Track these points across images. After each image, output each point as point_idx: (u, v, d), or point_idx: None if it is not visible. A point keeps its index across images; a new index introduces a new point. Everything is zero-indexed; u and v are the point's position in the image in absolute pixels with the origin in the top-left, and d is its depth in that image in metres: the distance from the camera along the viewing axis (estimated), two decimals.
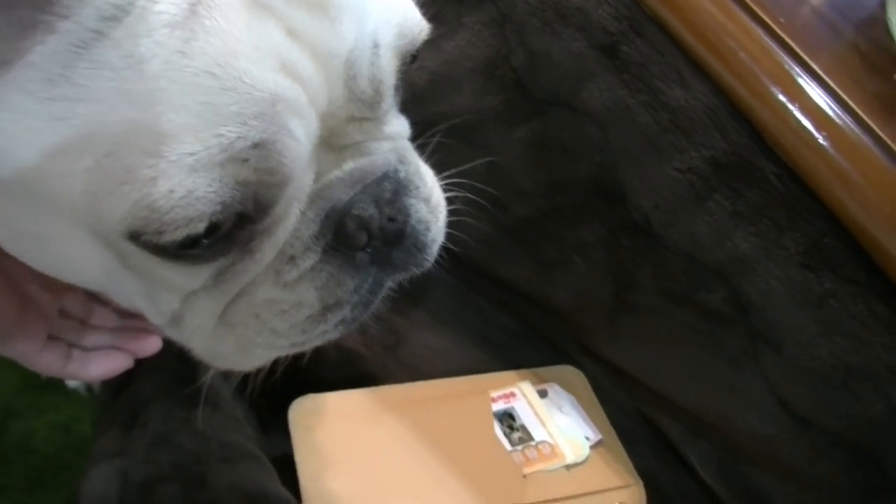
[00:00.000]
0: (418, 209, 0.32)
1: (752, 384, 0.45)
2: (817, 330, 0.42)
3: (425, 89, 0.58)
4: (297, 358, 0.62)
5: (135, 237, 0.25)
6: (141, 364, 0.42)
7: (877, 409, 0.40)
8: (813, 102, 0.41)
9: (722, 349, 0.46)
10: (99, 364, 0.40)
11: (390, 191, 0.30)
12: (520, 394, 0.56)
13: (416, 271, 0.33)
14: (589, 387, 0.58)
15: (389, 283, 0.33)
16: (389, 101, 0.30)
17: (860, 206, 0.40)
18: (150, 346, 0.42)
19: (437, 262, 0.35)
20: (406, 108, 0.59)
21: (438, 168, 0.36)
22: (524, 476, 0.52)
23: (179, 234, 0.25)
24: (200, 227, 0.25)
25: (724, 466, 0.49)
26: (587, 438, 0.54)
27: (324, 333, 0.32)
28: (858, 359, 0.41)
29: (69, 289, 0.38)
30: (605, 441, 0.55)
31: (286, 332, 0.31)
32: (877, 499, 0.41)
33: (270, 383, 0.56)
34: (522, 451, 0.53)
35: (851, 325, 0.41)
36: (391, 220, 0.31)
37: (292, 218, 0.29)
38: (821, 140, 0.41)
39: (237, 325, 0.31)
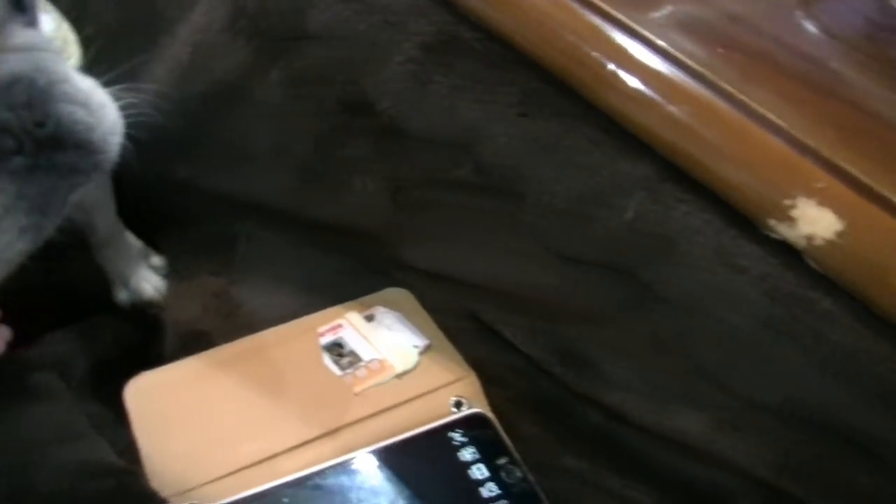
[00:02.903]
0: (72, 112, 0.34)
1: (525, 242, 0.47)
2: (553, 172, 0.44)
3: (191, 62, 0.60)
4: (133, 348, 0.63)
5: None
6: None
7: (612, 225, 0.42)
8: None
9: (492, 218, 0.48)
10: None
11: (24, 95, 0.32)
12: (346, 323, 0.58)
13: (96, 173, 0.35)
14: (414, 300, 0.59)
15: (74, 188, 0.35)
16: (2, 12, 0.32)
17: (558, 51, 0.43)
18: None
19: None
20: (177, 84, 0.61)
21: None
22: (355, 394, 0.53)
23: None
24: None
25: (536, 333, 0.51)
26: (415, 346, 0.56)
27: (10, 244, 0.33)
28: (591, 185, 0.43)
29: None
30: (434, 345, 0.56)
31: None
32: (640, 310, 0.43)
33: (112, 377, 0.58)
34: (353, 373, 0.55)
35: (577, 157, 0.43)
36: (39, 125, 0.32)
37: None
38: None
39: None
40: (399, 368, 0.55)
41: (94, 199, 0.59)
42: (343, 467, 0.50)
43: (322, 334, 0.57)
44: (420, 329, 0.57)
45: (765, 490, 0.41)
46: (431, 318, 0.58)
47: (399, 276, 0.60)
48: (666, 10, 0.46)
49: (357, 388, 0.53)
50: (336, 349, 0.56)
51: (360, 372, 0.54)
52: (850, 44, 0.46)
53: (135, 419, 0.53)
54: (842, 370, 0.37)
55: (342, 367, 0.55)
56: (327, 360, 0.55)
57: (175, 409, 0.53)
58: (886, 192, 0.36)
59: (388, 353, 0.55)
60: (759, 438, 0.40)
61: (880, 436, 0.36)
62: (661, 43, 0.41)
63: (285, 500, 0.48)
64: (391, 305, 0.59)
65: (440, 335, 0.57)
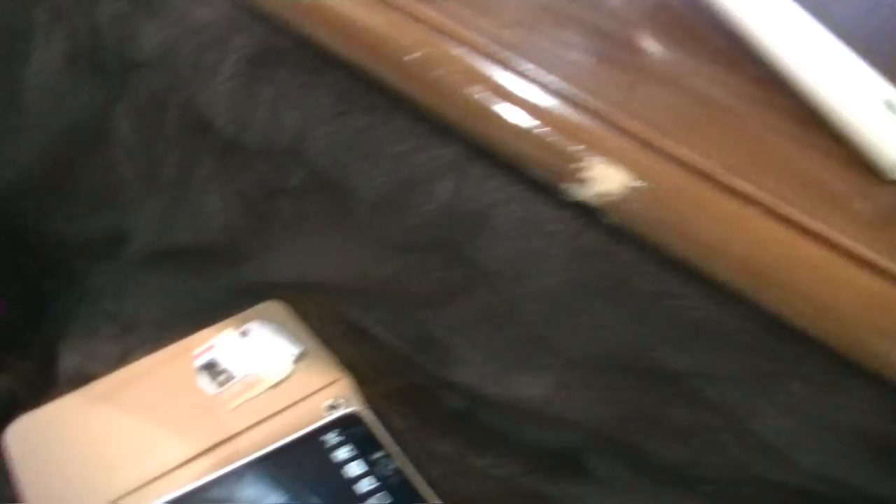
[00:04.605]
0: None
1: (363, 236, 0.48)
2: (372, 165, 0.46)
3: (40, 106, 0.60)
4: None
5: None
6: None
7: (431, 208, 0.43)
8: None
9: (332, 218, 0.49)
10: None
11: None
12: (220, 342, 0.58)
13: None
14: (288, 311, 0.60)
15: None
16: None
17: (363, 49, 0.44)
18: None
19: None
20: (32, 130, 0.61)
21: None
22: (231, 410, 0.54)
23: None
24: None
25: (393, 325, 0.52)
26: (290, 355, 0.57)
27: None
28: (407, 172, 0.44)
29: None
30: (309, 352, 0.57)
31: None
32: (469, 287, 0.44)
33: None
34: (228, 389, 0.55)
35: (391, 147, 0.45)
36: None
37: None
38: None
39: None
40: (274, 379, 0.55)
41: None
42: (222, 481, 0.50)
43: (197, 356, 0.57)
44: (295, 338, 0.58)
45: (610, 442, 0.42)
46: (306, 326, 0.59)
47: (271, 288, 0.60)
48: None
49: (232, 404, 0.54)
50: (211, 368, 0.56)
51: (235, 387, 0.55)
52: (640, 12, 0.49)
53: (17, 463, 0.52)
54: (650, 315, 0.38)
55: (218, 385, 0.55)
56: (202, 380, 0.56)
57: (56, 448, 0.53)
58: (669, 147, 0.38)
59: (262, 365, 0.56)
60: (592, 393, 0.42)
61: (692, 370, 0.38)
62: (461, 30, 0.43)
63: None
64: (265, 319, 0.60)
65: (315, 342, 0.58)
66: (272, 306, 0.60)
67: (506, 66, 0.41)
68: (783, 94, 0.41)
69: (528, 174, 0.40)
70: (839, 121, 0.38)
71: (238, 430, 0.52)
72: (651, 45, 0.45)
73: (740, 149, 0.38)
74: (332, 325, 0.57)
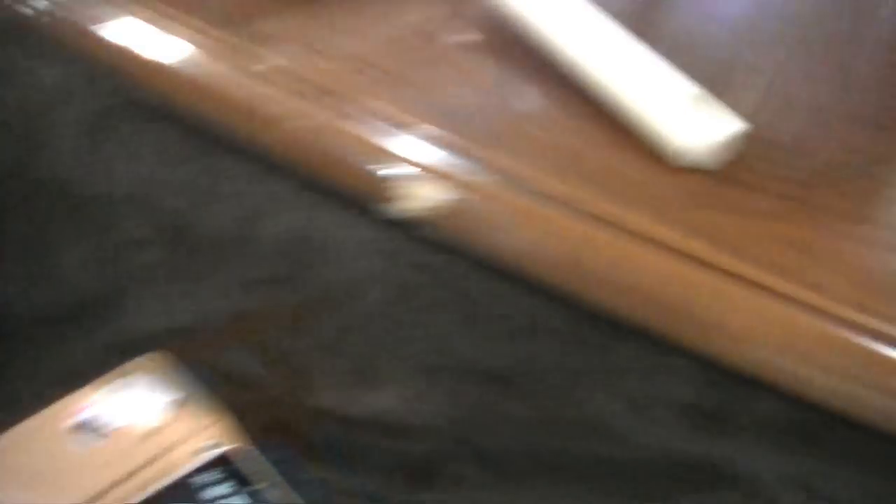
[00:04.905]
0: None
1: (213, 277, 0.50)
2: (209, 204, 0.47)
3: None
4: None
5: None
6: None
7: (267, 241, 0.45)
8: None
9: (186, 264, 0.51)
10: None
11: None
12: (94, 400, 0.58)
13: None
14: (168, 359, 0.60)
15: None
16: None
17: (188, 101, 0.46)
18: None
19: None
20: None
21: None
22: (105, 464, 0.53)
23: None
24: None
25: (265, 358, 0.53)
26: (169, 403, 0.57)
27: None
28: (243, 210, 0.46)
29: None
30: (188, 398, 0.57)
31: None
32: (313, 310, 0.46)
33: None
34: (102, 446, 0.55)
35: (226, 187, 0.46)
36: None
37: None
38: None
39: None
40: (149, 429, 0.55)
41: None
42: None
43: (70, 417, 0.57)
44: (173, 386, 0.58)
45: (462, 446, 0.44)
46: (186, 373, 0.59)
47: (150, 340, 0.60)
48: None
49: (102, 459, 0.53)
50: (84, 427, 0.56)
51: (108, 442, 0.55)
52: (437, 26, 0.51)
53: None
54: (480, 320, 0.40)
55: (91, 443, 0.55)
56: (75, 440, 0.55)
57: None
58: (478, 157, 0.41)
59: (137, 417, 0.56)
60: (440, 400, 0.43)
61: (525, 367, 0.40)
62: (276, 74, 0.45)
63: None
64: (143, 371, 0.59)
65: (195, 387, 0.58)
66: (151, 357, 0.60)
67: (311, 98, 0.43)
68: (582, 97, 0.44)
69: (351, 199, 0.42)
70: (636, 117, 0.41)
71: (110, 483, 0.52)
72: (451, 56, 0.48)
73: (547, 154, 0.41)
74: (211, 368, 0.57)
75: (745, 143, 0.40)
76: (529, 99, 0.44)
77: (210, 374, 0.57)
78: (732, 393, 0.39)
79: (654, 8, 0.56)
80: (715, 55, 0.50)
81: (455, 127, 0.42)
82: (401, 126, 0.41)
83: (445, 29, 0.49)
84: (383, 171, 0.41)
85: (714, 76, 0.43)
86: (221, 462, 0.52)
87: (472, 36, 0.49)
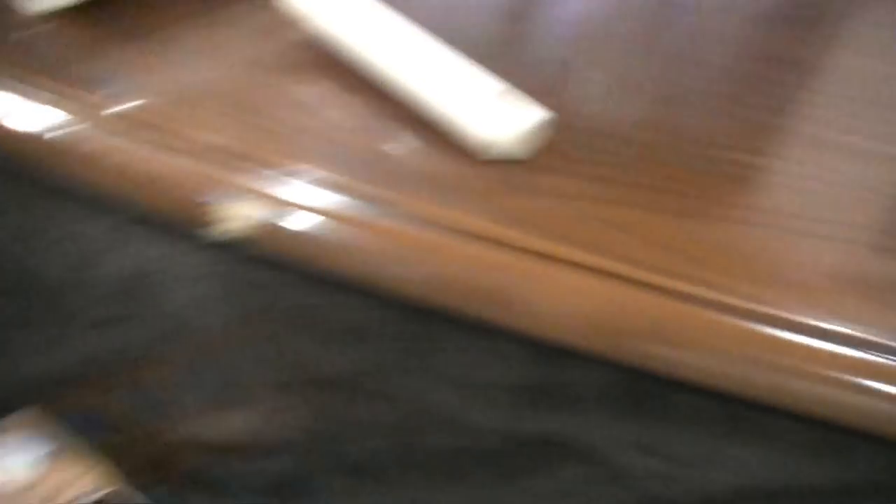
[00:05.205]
0: None
1: (61, 323, 0.50)
2: (32, 246, 0.47)
3: None
4: None
5: None
6: None
7: (104, 282, 0.45)
8: None
9: (35, 312, 0.50)
10: None
11: None
12: None
13: None
14: (42, 413, 0.60)
15: None
16: None
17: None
18: None
19: None
20: None
21: None
22: None
23: None
24: None
25: (133, 398, 0.53)
26: (43, 457, 0.56)
27: None
28: (74, 254, 0.46)
29: None
30: (62, 448, 0.57)
31: None
32: (166, 342, 0.46)
33: None
34: None
35: (58, 232, 0.47)
36: None
37: None
38: None
39: None
40: (23, 480, 0.55)
41: None
42: None
43: None
44: (47, 439, 0.58)
45: (327, 456, 0.45)
46: (61, 423, 0.59)
47: (24, 395, 0.60)
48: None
49: None
50: None
51: None
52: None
53: None
54: (313, 330, 0.42)
55: None
56: None
57: None
58: (291, 172, 0.42)
59: (12, 472, 0.55)
60: (293, 413, 0.44)
61: (362, 369, 0.42)
62: (99, 112, 0.45)
63: None
64: (17, 427, 0.59)
65: (69, 437, 0.58)
66: (23, 413, 0.60)
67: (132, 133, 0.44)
68: (399, 106, 0.45)
69: (178, 227, 0.43)
70: (447, 118, 0.43)
71: None
72: (275, 82, 0.49)
73: (365, 162, 0.42)
74: (83, 415, 0.57)
75: (558, 132, 0.42)
76: (347, 113, 0.46)
77: (84, 421, 0.56)
78: (557, 369, 0.40)
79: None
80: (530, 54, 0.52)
81: (277, 148, 0.43)
82: (222, 151, 0.42)
83: (272, 55, 0.50)
84: (204, 197, 0.41)
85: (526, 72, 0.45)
86: None
87: (299, 60, 0.50)
